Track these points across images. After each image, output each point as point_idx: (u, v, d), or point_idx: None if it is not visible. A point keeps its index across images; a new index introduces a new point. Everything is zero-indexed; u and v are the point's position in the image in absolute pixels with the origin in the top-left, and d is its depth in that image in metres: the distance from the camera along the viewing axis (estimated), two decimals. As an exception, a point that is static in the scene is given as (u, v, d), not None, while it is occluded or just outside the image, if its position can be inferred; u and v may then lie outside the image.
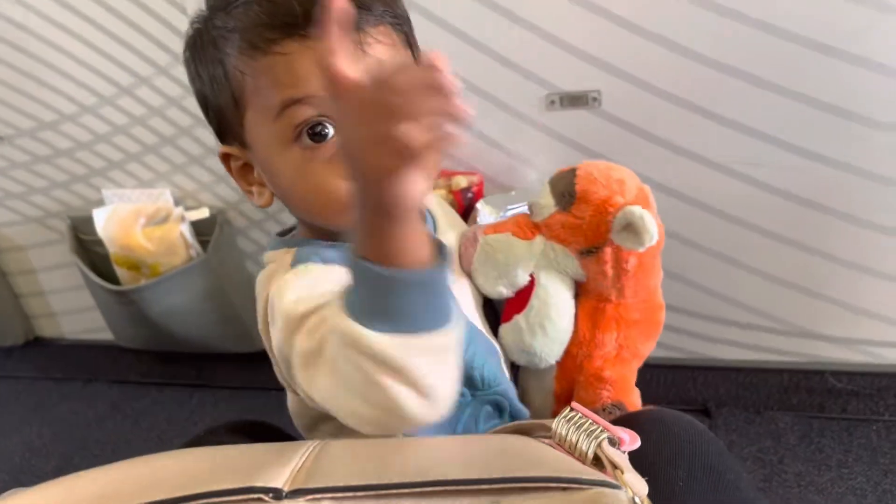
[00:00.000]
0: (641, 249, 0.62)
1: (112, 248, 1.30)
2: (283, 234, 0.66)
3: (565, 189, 0.65)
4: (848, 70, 0.93)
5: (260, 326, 0.58)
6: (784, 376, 1.23)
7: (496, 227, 0.70)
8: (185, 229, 1.28)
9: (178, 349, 1.48)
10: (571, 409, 0.37)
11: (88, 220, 1.34)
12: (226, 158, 0.59)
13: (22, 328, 1.61)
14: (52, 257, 1.50)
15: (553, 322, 0.67)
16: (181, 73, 1.19)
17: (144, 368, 1.60)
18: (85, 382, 1.65)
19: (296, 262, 0.54)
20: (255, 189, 0.58)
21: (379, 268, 0.37)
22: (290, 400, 0.62)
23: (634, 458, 0.36)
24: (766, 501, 0.49)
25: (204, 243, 1.31)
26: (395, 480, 0.31)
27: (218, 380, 1.56)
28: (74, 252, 1.38)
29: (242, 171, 0.59)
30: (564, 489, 0.29)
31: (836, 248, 1.07)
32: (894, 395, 1.19)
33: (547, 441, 0.37)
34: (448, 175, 1.06)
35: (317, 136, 0.52)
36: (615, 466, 0.32)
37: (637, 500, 0.28)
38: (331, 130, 0.52)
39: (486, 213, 0.89)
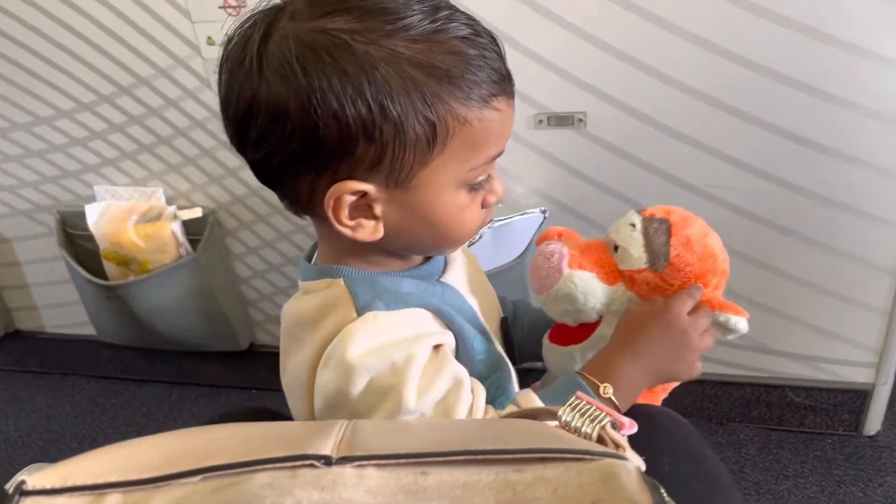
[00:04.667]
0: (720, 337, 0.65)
1: (102, 244, 1.32)
2: (308, 258, 0.66)
3: (660, 249, 0.64)
4: (818, 104, 1.00)
5: (306, 357, 0.59)
6: (746, 390, 1.30)
7: (581, 261, 0.68)
8: (177, 228, 1.30)
9: (162, 346, 1.50)
10: (577, 398, 0.42)
11: (77, 215, 1.36)
12: (339, 197, 0.55)
13: (2, 320, 1.62)
14: (38, 251, 1.51)
15: None
16: (181, 75, 1.24)
17: (124, 364, 1.61)
18: (63, 376, 1.66)
19: (362, 309, 0.56)
20: (361, 223, 0.57)
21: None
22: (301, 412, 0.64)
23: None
24: (738, 488, 0.55)
25: (194, 242, 1.34)
26: (429, 450, 0.36)
27: (199, 377, 1.58)
28: (62, 246, 1.40)
29: (355, 206, 0.56)
30: (579, 459, 0.34)
31: (799, 269, 1.14)
32: (848, 411, 1.26)
33: (553, 425, 0.42)
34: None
35: (480, 184, 0.58)
36: (618, 445, 0.38)
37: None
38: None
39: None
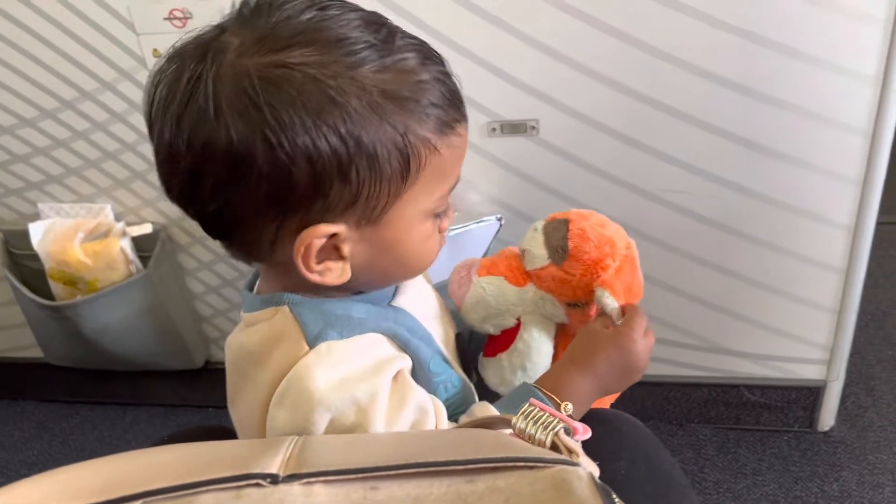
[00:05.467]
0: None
1: (48, 263, 1.28)
2: (250, 287, 0.63)
3: (558, 244, 0.68)
4: (764, 109, 1.02)
5: (257, 396, 0.55)
6: (704, 391, 1.31)
7: (489, 268, 0.72)
8: (126, 245, 1.27)
9: (114, 367, 1.46)
10: (530, 405, 0.41)
11: (21, 234, 1.32)
12: (309, 243, 0.52)
13: (-57, 345, 1.55)
14: (-20, 272, 1.45)
15: (534, 364, 0.71)
16: (127, 88, 1.21)
17: (75, 387, 1.56)
18: (11, 401, 1.60)
19: (313, 341, 0.53)
20: (328, 266, 0.54)
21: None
22: None
23: (584, 450, 0.41)
24: (693, 490, 0.55)
25: (145, 259, 1.30)
26: (380, 464, 0.35)
27: (153, 397, 1.54)
28: (5, 266, 1.35)
29: (323, 249, 0.53)
30: (531, 468, 0.34)
31: (751, 270, 1.16)
32: (802, 408, 1.29)
33: (507, 433, 0.42)
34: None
35: (443, 213, 0.57)
36: (571, 451, 0.37)
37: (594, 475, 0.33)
38: None
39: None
